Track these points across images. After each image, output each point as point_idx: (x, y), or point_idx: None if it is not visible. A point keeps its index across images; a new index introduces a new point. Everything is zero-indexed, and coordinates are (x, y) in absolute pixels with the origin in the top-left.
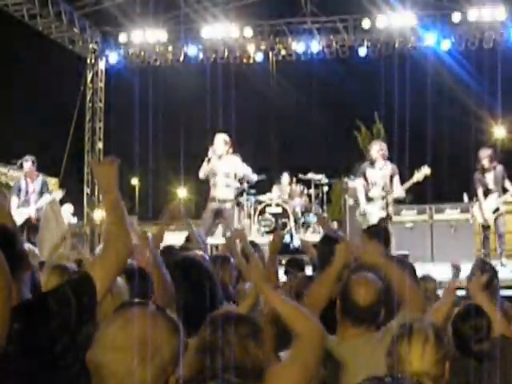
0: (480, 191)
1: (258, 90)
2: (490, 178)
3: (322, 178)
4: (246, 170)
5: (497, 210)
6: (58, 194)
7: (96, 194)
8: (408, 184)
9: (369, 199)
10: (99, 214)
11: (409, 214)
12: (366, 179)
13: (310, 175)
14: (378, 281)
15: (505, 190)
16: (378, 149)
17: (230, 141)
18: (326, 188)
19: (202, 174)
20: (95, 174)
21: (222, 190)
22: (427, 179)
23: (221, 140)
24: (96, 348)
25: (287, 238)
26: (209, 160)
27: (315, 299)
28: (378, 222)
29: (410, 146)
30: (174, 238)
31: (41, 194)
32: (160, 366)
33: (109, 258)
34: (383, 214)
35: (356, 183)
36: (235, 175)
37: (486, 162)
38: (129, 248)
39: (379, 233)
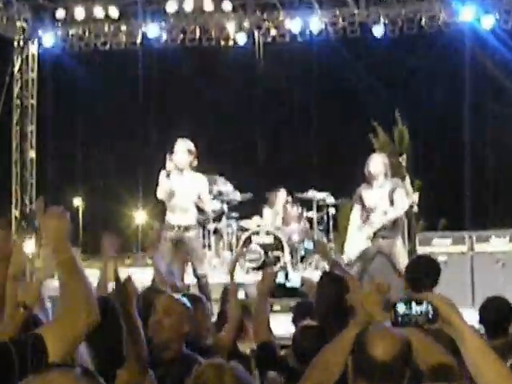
0: None
1: (240, 81)
2: None
3: (326, 196)
4: (224, 187)
5: None
6: None
7: (26, 218)
8: (404, 206)
9: (369, 223)
10: (31, 246)
11: (442, 244)
12: (363, 204)
13: (311, 193)
14: (403, 334)
15: None
16: (378, 163)
17: (196, 150)
18: (332, 210)
19: (160, 194)
20: (42, 228)
21: (182, 215)
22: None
23: (183, 149)
24: None
25: (280, 277)
26: (168, 175)
27: (326, 369)
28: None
29: (441, 154)
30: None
31: None
32: None
33: (64, 328)
34: (364, 245)
35: (352, 213)
36: (198, 197)
37: None
38: (93, 316)
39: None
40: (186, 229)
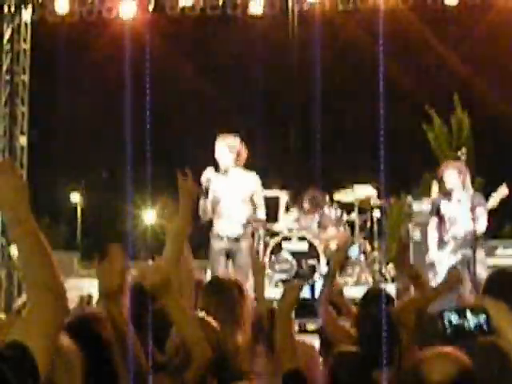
0: None
1: (271, 57)
2: None
3: (370, 196)
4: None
5: None
6: None
7: None
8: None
9: (445, 243)
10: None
11: (508, 255)
12: (439, 217)
13: (353, 192)
14: (463, 356)
15: None
16: (452, 176)
17: (240, 144)
18: (377, 213)
19: (201, 213)
20: None
21: (231, 223)
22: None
23: (223, 148)
24: None
25: (306, 292)
26: (207, 192)
27: None
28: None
29: (507, 147)
30: None
31: None
32: None
33: (43, 326)
34: (453, 260)
35: (429, 225)
36: (251, 199)
37: None
38: (63, 300)
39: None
40: (237, 240)
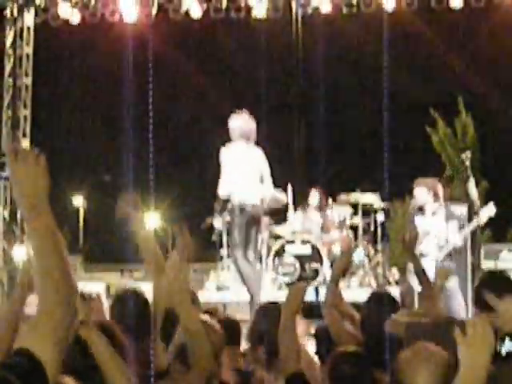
0: None
1: (275, 61)
2: None
3: (374, 200)
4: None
5: None
6: None
7: (18, 219)
8: (467, 230)
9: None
10: (22, 252)
11: None
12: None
13: (356, 195)
14: (446, 356)
15: None
16: (420, 194)
17: (247, 122)
18: (380, 216)
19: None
20: (14, 180)
21: (247, 193)
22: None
23: (231, 126)
24: None
25: (311, 293)
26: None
27: None
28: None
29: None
30: None
31: None
32: None
33: (47, 325)
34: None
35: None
36: (260, 176)
37: None
38: (73, 304)
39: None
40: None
